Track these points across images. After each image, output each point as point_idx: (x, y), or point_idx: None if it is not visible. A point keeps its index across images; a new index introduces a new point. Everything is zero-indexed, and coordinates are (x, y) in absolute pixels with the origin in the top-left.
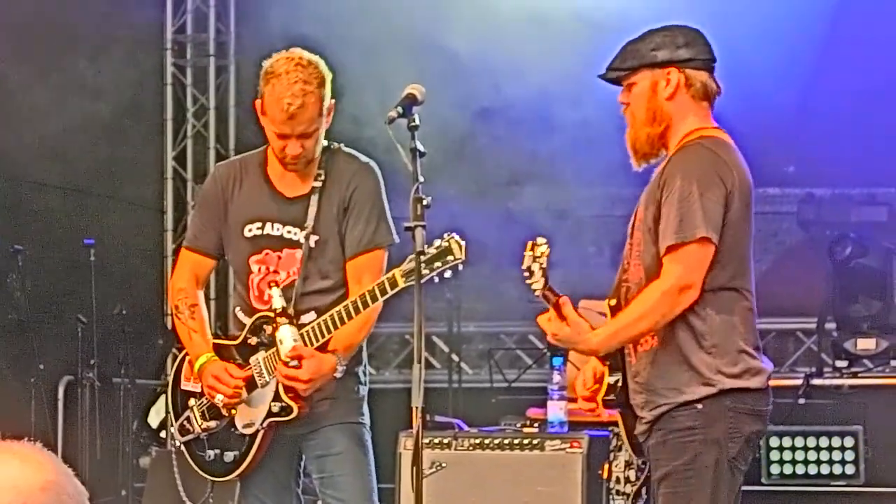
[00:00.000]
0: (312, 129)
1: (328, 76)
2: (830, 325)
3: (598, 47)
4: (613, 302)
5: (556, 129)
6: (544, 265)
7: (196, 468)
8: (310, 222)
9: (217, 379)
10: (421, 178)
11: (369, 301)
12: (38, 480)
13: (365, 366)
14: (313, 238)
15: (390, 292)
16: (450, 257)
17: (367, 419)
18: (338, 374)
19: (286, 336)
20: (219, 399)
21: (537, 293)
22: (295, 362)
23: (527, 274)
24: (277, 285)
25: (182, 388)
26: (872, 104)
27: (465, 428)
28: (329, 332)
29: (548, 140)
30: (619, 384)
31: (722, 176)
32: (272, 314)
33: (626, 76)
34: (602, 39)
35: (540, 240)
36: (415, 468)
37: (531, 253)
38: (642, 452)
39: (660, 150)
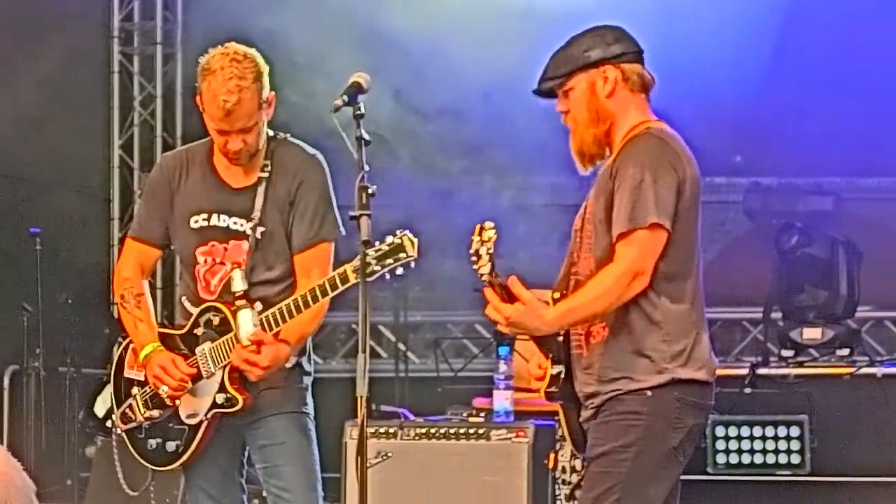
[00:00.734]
0: (251, 123)
1: (265, 69)
2: (776, 315)
3: (549, 37)
4: (558, 294)
5: (505, 119)
6: (491, 250)
7: (137, 457)
8: (256, 213)
9: (163, 370)
10: (366, 167)
11: (319, 296)
12: None
13: (309, 356)
14: (259, 229)
15: (341, 287)
16: (402, 254)
17: (310, 409)
18: (288, 364)
19: (246, 320)
20: (163, 390)
21: (484, 278)
22: (254, 347)
23: (474, 258)
24: (241, 267)
25: (125, 375)
26: (819, 94)
27: (412, 417)
28: (281, 322)
29: (496, 129)
30: (563, 376)
31: (673, 164)
32: (221, 302)
33: (563, 83)
34: (554, 30)
35: (487, 224)
36: (359, 458)
37: (479, 237)
38: (584, 448)
39: (605, 149)
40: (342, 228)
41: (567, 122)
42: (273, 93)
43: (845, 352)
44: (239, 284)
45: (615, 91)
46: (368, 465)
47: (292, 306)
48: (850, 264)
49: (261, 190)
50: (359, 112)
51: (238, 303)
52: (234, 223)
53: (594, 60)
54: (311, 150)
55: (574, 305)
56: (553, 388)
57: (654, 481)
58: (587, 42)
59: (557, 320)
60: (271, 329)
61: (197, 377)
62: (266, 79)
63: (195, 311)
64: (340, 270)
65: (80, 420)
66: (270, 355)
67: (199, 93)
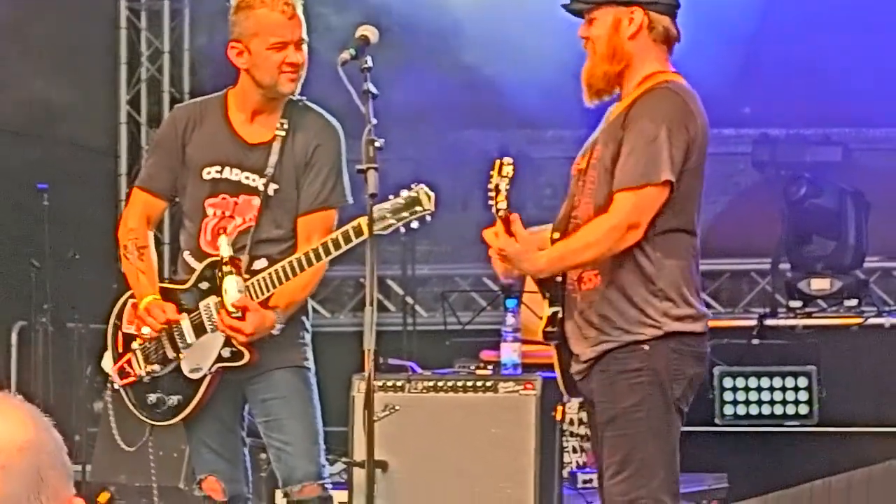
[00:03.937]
0: (305, 35)
1: None
2: (785, 266)
3: None
4: (557, 235)
5: (508, 72)
6: (508, 186)
7: (136, 412)
8: (270, 170)
9: (148, 312)
10: (373, 121)
11: (332, 249)
12: (18, 440)
13: (308, 312)
14: (272, 186)
15: (354, 241)
16: (418, 208)
17: (311, 363)
18: (275, 332)
19: (231, 286)
20: (144, 331)
21: (500, 213)
22: (239, 313)
23: (493, 193)
24: (226, 232)
25: (124, 330)
26: (827, 44)
27: (419, 370)
28: (278, 283)
29: (499, 82)
30: (560, 316)
31: (687, 123)
32: (220, 261)
33: (590, 10)
34: None
35: (506, 159)
36: (366, 411)
37: (497, 173)
38: (574, 390)
39: (614, 88)
40: (350, 198)
41: (585, 48)
42: None
43: (853, 302)
44: (225, 250)
45: (638, 35)
46: (376, 418)
47: (288, 268)
48: (858, 215)
49: (276, 147)
50: (366, 66)
51: (224, 268)
52: (247, 178)
53: (626, 0)
54: (329, 117)
55: (566, 252)
56: (551, 328)
57: (669, 433)
58: None
59: (548, 265)
60: (259, 296)
61: (201, 332)
62: None
63: (198, 265)
64: (354, 223)
65: (87, 375)
66: (255, 322)
67: (238, 26)
